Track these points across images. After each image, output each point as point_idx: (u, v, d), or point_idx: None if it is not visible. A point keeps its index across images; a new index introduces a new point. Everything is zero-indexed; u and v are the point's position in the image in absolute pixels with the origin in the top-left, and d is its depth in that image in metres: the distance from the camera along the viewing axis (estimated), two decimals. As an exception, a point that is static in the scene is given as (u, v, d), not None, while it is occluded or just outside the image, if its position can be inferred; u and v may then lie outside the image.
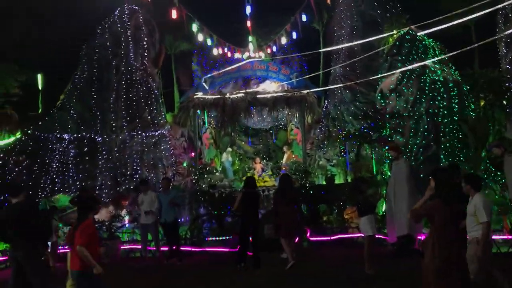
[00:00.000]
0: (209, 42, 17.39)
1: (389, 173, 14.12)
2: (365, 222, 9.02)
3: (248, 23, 17.97)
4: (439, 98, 13.22)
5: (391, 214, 10.76)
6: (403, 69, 13.78)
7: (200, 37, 17.20)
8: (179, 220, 14.99)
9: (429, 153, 12.91)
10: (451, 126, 13.00)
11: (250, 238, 10.57)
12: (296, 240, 11.95)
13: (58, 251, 11.86)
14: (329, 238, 12.38)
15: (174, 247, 11.39)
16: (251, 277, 9.25)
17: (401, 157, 11.05)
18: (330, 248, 11.97)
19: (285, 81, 17.50)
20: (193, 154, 17.74)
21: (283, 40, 17.04)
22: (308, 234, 12.26)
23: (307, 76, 17.53)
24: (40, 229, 7.15)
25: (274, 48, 17.79)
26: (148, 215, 11.23)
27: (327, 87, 16.70)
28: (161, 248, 11.90)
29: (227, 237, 12.19)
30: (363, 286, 8.09)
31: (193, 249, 12.06)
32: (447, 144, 12.79)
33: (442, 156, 12.74)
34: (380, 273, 8.57)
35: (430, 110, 13.18)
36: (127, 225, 14.27)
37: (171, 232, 11.44)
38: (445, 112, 13.06)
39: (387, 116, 14.11)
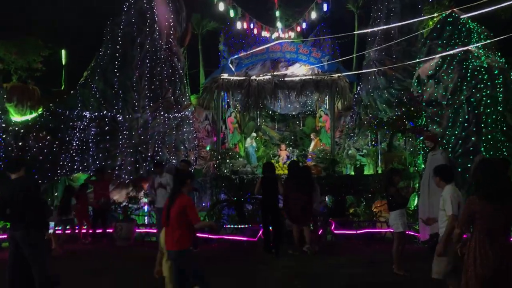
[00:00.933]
0: (234, 16, 16.28)
1: (423, 166, 13.20)
2: (395, 217, 8.24)
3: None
4: (482, 86, 12.10)
5: (424, 209, 9.87)
6: (444, 53, 12.70)
7: (230, 13, 16.27)
8: (200, 205, 14.66)
9: (468, 146, 11.86)
10: (494, 117, 11.90)
11: (271, 228, 10.19)
12: (320, 232, 11.30)
13: (76, 230, 11.57)
14: (355, 232, 11.58)
15: (191, 234, 10.82)
16: (265, 270, 8.58)
17: (438, 148, 10.15)
18: (356, 243, 11.21)
19: (316, 64, 16.60)
20: (215, 138, 17.11)
21: (313, 15, 15.87)
22: (333, 227, 11.48)
23: (339, 60, 16.59)
24: (40, 208, 6.61)
25: (304, 25, 16.70)
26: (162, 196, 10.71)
27: (360, 71, 15.71)
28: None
29: (246, 226, 11.54)
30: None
31: (210, 236, 11.46)
32: (489, 136, 11.71)
33: (482, 149, 11.68)
34: (409, 275, 7.78)
35: (471, 99, 12.09)
36: (145, 208, 13.81)
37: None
38: (488, 101, 11.95)
39: (424, 104, 13.09)
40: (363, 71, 15.87)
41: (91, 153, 15.11)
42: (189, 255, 5.68)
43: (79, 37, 18.19)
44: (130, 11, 16.64)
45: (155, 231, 11.54)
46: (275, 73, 16.16)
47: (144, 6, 16.60)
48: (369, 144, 15.93)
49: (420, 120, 13.48)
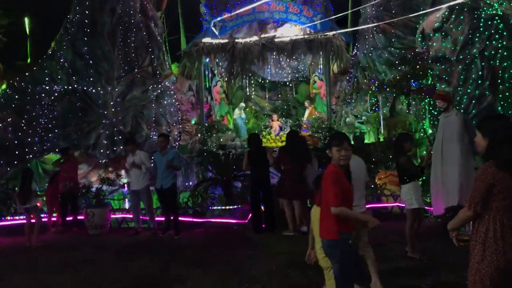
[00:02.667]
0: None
1: (430, 131, 11.84)
2: (408, 191, 6.94)
3: None
4: (497, 36, 10.65)
5: (437, 179, 8.49)
6: (452, 3, 11.18)
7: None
8: (185, 184, 13.30)
9: (483, 105, 10.50)
10: (511, 71, 10.51)
11: (263, 207, 9.03)
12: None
13: (43, 219, 10.20)
14: (358, 208, 10.24)
15: (171, 218, 9.51)
16: (257, 258, 7.27)
17: (452, 108, 8.72)
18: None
19: (308, 24, 15.02)
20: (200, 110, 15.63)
21: None
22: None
23: (333, 17, 15.00)
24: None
25: None
26: (137, 177, 9.36)
27: (356, 28, 14.14)
28: (156, 218, 10.05)
29: (235, 206, 10.19)
30: (404, 276, 6.00)
31: (194, 219, 10.13)
32: (507, 94, 10.34)
33: (500, 108, 10.32)
34: (425, 259, 6.54)
35: (485, 52, 10.66)
36: (124, 191, 12.42)
37: (168, 200, 9.53)
38: (505, 53, 10.52)
39: (430, 61, 11.64)
40: (360, 27, 14.26)
41: (61, 131, 13.59)
42: (345, 244, 4.03)
43: (45, 3, 16.39)
44: (99, -28, 14.87)
45: (132, 216, 10.17)
46: (263, 36, 14.55)
47: (114, -35, 14.83)
48: (369, 110, 14.50)
49: (425, 80, 12.06)
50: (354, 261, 4.14)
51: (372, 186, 10.67)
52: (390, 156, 11.07)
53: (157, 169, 9.51)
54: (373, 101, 13.51)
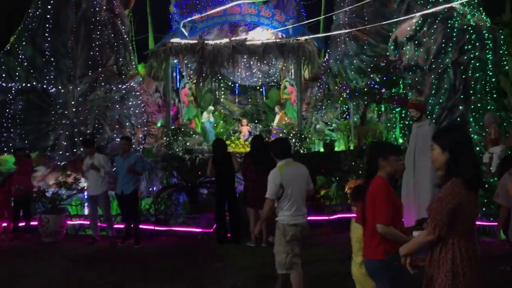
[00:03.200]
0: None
1: (401, 140, 11.68)
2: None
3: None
4: (469, 47, 10.59)
5: (409, 191, 8.34)
6: (425, 11, 11.08)
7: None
8: (149, 190, 12.74)
9: (455, 116, 10.39)
10: (483, 83, 10.47)
11: (228, 216, 8.71)
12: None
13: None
14: (327, 217, 9.96)
15: (132, 225, 8.98)
16: (221, 270, 6.84)
17: (426, 118, 8.60)
18: (329, 231, 9.62)
19: (279, 28, 14.71)
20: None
21: None
22: (302, 213, 9.79)
23: (306, 22, 14.75)
24: None
25: None
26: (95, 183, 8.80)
27: (328, 33, 13.90)
28: (116, 226, 9.49)
29: (201, 215, 9.72)
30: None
31: (157, 228, 9.61)
32: (478, 105, 10.27)
33: (471, 120, 10.23)
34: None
35: (458, 62, 10.56)
36: (83, 196, 11.72)
37: (129, 207, 8.99)
38: (477, 64, 10.46)
39: (402, 70, 11.50)
40: (332, 33, 14.02)
41: (18, 131, 12.82)
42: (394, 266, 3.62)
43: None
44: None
45: (89, 222, 9.56)
46: (233, 38, 14.15)
47: (79, -42, 14.17)
48: (339, 118, 14.28)
49: (397, 89, 11.91)
50: (402, 282, 3.77)
51: (341, 195, 10.39)
52: (361, 165, 10.83)
53: (118, 173, 8.98)
54: (344, 108, 13.27)
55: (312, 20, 14.89)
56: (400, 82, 11.59)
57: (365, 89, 11.88)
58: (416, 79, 11.20)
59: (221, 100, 17.25)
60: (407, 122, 11.33)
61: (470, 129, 10.09)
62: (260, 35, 15.09)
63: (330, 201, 10.52)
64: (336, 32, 13.78)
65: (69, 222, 10.09)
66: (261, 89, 17.44)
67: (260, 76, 16.42)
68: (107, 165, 8.99)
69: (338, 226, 9.74)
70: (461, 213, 2.85)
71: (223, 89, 17.30)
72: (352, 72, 14.28)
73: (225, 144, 8.87)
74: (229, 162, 8.39)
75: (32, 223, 9.93)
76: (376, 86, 11.74)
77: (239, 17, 15.21)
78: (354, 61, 14.25)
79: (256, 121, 16.38)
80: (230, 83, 17.05)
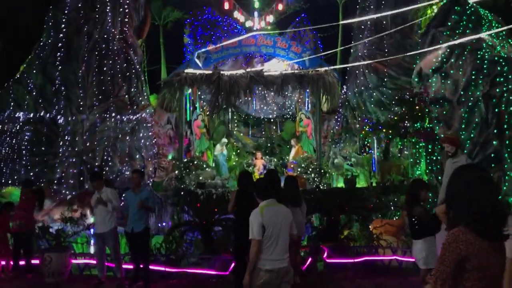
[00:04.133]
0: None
1: (426, 177, 10.99)
2: (422, 247, 6.00)
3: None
4: (501, 79, 10.02)
5: (443, 232, 7.58)
6: (452, 42, 10.58)
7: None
8: (158, 227, 12.08)
9: (488, 152, 9.71)
10: (518, 117, 9.83)
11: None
12: (309, 262, 8.88)
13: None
14: (352, 260, 9.18)
15: (141, 266, 8.25)
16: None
17: (461, 153, 7.95)
18: (353, 275, 8.82)
19: (296, 60, 14.29)
20: (178, 144, 14.53)
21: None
22: (325, 254, 9.05)
23: (323, 54, 14.32)
24: None
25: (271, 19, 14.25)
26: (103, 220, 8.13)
27: (348, 65, 13.41)
28: (124, 266, 8.75)
29: (216, 255, 8.98)
30: None
31: (167, 269, 8.85)
32: (514, 140, 9.61)
33: (506, 155, 9.55)
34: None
35: (490, 95, 9.97)
36: (90, 232, 11.03)
37: (139, 246, 8.27)
38: (511, 98, 9.86)
39: (428, 102, 10.92)
40: (352, 64, 13.53)
41: (24, 162, 12.28)
42: None
43: (15, 24, 15.30)
44: (76, -6, 13.97)
45: (95, 262, 8.84)
46: (249, 69, 13.71)
47: (93, -12, 13.97)
48: (358, 152, 13.65)
49: (423, 122, 11.31)
50: None
51: (366, 235, 9.65)
52: (388, 203, 10.16)
53: (129, 209, 8.31)
54: (367, 142, 12.64)
55: (330, 51, 14.47)
56: (426, 115, 10.97)
57: (391, 122, 11.26)
58: (444, 112, 10.61)
59: (234, 132, 16.70)
60: (434, 157, 10.69)
61: (506, 166, 9.41)
62: (276, 66, 14.67)
63: (353, 242, 9.75)
64: (356, 64, 13.31)
65: (73, 261, 9.35)
66: (275, 122, 16.90)
67: (275, 108, 15.94)
68: (115, 200, 8.34)
69: (365, 270, 8.96)
70: (468, 267, 2.31)
71: (236, 121, 16.79)
72: (372, 105, 13.73)
73: (252, 177, 8.13)
74: (253, 197, 7.70)
75: (33, 261, 9.22)
76: (401, 119, 11.09)
77: (254, 48, 14.84)
78: (374, 94, 13.73)
79: (270, 154, 15.77)
80: (243, 115, 16.53)
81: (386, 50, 13.71)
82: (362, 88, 14.01)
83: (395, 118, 11.09)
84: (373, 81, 13.82)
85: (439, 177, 10.01)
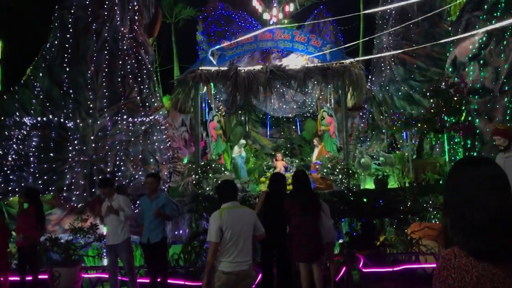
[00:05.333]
0: None
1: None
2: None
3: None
4: (549, 65, 9.07)
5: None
6: (491, 26, 9.65)
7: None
8: (175, 235, 11.33)
9: (537, 145, 8.73)
10: None
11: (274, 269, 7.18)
12: (343, 272, 7.99)
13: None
14: (391, 269, 8.25)
15: (158, 279, 7.45)
16: None
17: (515, 147, 6.99)
18: (394, 285, 7.91)
19: (316, 54, 13.41)
20: (194, 147, 13.75)
21: None
22: (361, 264, 8.15)
23: (344, 46, 13.43)
24: None
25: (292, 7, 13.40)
26: (116, 230, 7.35)
27: (374, 56, 12.52)
28: (139, 280, 7.95)
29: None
30: None
31: (187, 283, 8.04)
32: None
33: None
34: None
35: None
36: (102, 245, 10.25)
37: (156, 258, 7.48)
38: (561, 85, 8.91)
39: (466, 93, 9.98)
40: (379, 55, 12.62)
41: (32, 169, 11.59)
42: None
43: (20, 25, 14.68)
44: (83, -8, 13.30)
45: (107, 275, 8.06)
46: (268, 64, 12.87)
47: (101, -15, 13.28)
48: (386, 150, 12.74)
49: (459, 115, 10.36)
50: None
51: (405, 241, 8.72)
52: (425, 205, 9.23)
53: (144, 218, 7.52)
54: (399, 137, 11.70)
55: (352, 43, 13.55)
56: (463, 107, 10.03)
57: (427, 115, 10.32)
58: (484, 103, 9.67)
59: (251, 133, 15.87)
60: (474, 153, 9.74)
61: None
62: (295, 61, 13.82)
63: (390, 248, 8.82)
64: (382, 55, 12.42)
65: (84, 276, 8.60)
66: (294, 121, 16.03)
67: (294, 106, 15.10)
68: (128, 208, 7.53)
69: (402, 280, 8.04)
70: None
71: (253, 121, 15.95)
72: (400, 100, 12.83)
73: (285, 181, 7.24)
74: (283, 202, 6.85)
75: (41, 276, 8.45)
76: (438, 112, 10.14)
77: (271, 44, 13.99)
78: (402, 87, 12.81)
79: (291, 156, 14.90)
80: (261, 115, 15.69)
81: (414, 40, 12.79)
82: (389, 81, 13.11)
83: (432, 111, 10.14)
84: (400, 73, 12.93)
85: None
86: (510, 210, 1.60)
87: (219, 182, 6.12)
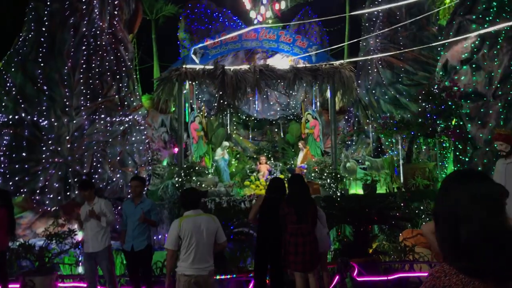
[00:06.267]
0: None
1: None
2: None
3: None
4: (543, 70, 8.97)
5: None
6: (483, 30, 9.50)
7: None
8: (154, 240, 10.75)
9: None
10: None
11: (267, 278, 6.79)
12: (336, 280, 7.65)
13: None
14: (385, 278, 7.95)
15: (142, 289, 6.96)
16: None
17: (516, 152, 6.80)
18: (388, 295, 7.62)
19: (301, 55, 13.08)
20: (176, 149, 13.21)
21: None
22: (355, 272, 7.81)
23: (330, 48, 13.15)
24: None
25: (283, 5, 13.09)
26: (95, 237, 6.82)
27: (360, 58, 12.29)
28: (121, 291, 7.44)
29: (228, 276, 7.70)
30: None
31: (172, 292, 7.53)
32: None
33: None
34: None
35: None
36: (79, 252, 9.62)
37: (141, 266, 6.99)
38: (555, 90, 8.82)
39: (458, 97, 9.82)
40: (365, 57, 12.39)
41: (2, 170, 10.86)
42: None
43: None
44: (60, -16, 12.62)
45: (85, 284, 7.49)
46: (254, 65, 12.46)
47: (79, -23, 12.61)
48: (372, 154, 12.51)
49: (446, 120, 10.19)
50: None
51: (398, 248, 8.46)
52: (416, 211, 8.98)
53: (127, 224, 7.01)
54: (391, 141, 11.45)
55: (339, 45, 13.30)
56: (455, 112, 9.86)
57: (419, 119, 10.10)
58: (476, 108, 9.51)
59: (233, 135, 15.42)
60: (466, 158, 9.57)
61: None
62: (280, 62, 13.47)
63: (383, 256, 8.52)
64: (369, 57, 12.18)
65: (60, 285, 7.99)
66: (278, 124, 15.66)
67: (278, 109, 14.72)
68: (110, 213, 7.01)
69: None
70: None
71: (235, 123, 15.51)
72: (386, 103, 12.62)
73: (285, 186, 6.82)
74: (280, 208, 6.43)
75: (11, 286, 7.82)
76: (430, 117, 9.93)
77: (256, 43, 13.59)
78: (389, 91, 12.61)
79: (273, 159, 14.52)
80: (244, 117, 15.26)
81: (401, 43, 12.62)
82: (375, 85, 12.90)
83: (424, 115, 9.93)
84: (387, 77, 12.73)
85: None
86: (503, 228, 1.56)
87: (184, 189, 6.46)
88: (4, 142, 11.12)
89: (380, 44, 13.00)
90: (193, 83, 12.07)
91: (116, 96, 12.43)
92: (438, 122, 9.73)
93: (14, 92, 11.60)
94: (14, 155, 11.04)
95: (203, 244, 4.96)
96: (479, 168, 9.04)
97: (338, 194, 10.28)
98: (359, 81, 13.51)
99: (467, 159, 9.46)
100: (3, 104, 11.51)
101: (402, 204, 9.17)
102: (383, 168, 11.31)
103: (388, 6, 12.31)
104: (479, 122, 9.32)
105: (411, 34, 12.67)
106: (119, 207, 10.14)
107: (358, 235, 8.34)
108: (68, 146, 11.35)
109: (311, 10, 15.39)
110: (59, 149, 11.27)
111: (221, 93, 11.12)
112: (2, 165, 10.95)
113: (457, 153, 9.78)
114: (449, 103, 9.54)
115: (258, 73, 11.10)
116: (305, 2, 15.18)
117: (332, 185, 10.64)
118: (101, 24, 12.64)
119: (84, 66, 12.05)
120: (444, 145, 10.57)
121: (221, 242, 5.25)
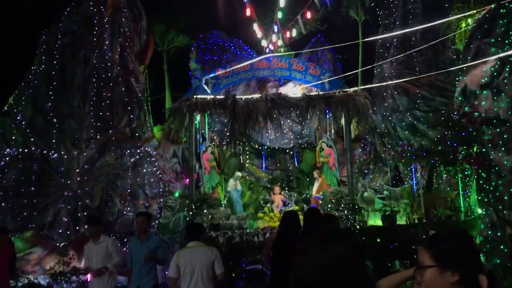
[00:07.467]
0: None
1: (479, 210, 9.38)
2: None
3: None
4: None
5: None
6: (507, 53, 9.14)
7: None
8: (164, 276, 10.35)
9: None
10: None
11: None
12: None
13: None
14: (410, 318, 7.42)
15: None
16: None
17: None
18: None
19: (314, 83, 12.83)
20: (188, 180, 12.92)
21: (309, 15, 11.97)
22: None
23: (344, 75, 12.89)
24: None
25: (294, 33, 12.88)
26: (101, 278, 6.48)
27: (375, 85, 11.98)
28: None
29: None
30: None
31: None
32: None
33: None
34: None
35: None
36: None
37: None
38: None
39: (479, 123, 9.39)
40: (381, 84, 12.07)
41: (10, 205, 10.63)
42: None
43: (3, 52, 13.97)
44: (71, 17, 12.66)
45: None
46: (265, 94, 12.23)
47: (89, 10, 12.67)
48: (390, 183, 12.05)
49: (471, 147, 9.74)
50: None
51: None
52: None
53: (133, 262, 6.67)
54: (401, 172, 11.01)
55: (352, 72, 13.04)
56: (476, 138, 9.42)
57: (439, 147, 9.68)
58: (499, 134, 9.06)
59: (246, 165, 15.10)
60: (491, 187, 9.08)
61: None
62: (292, 90, 13.23)
63: (406, 293, 7.99)
64: (385, 83, 11.88)
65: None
66: (291, 152, 15.31)
67: (291, 137, 14.39)
68: (116, 253, 6.68)
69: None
70: None
71: (247, 152, 15.20)
72: (403, 130, 12.23)
73: (299, 220, 6.41)
74: (295, 244, 6.03)
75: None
76: (451, 144, 9.51)
77: (268, 72, 13.41)
78: (405, 118, 12.24)
79: (287, 189, 14.12)
80: (257, 146, 14.96)
81: (417, 69, 12.30)
82: (391, 111, 12.55)
83: (444, 142, 9.51)
84: (403, 103, 12.37)
85: (501, 211, 8.42)
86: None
87: (188, 222, 6.20)
88: (13, 176, 10.94)
89: (395, 70, 12.71)
90: (204, 113, 11.85)
91: (127, 128, 12.29)
92: (459, 149, 9.30)
93: (24, 126, 11.51)
94: (22, 190, 10.84)
95: (197, 274, 5.40)
96: (505, 197, 8.57)
97: (357, 226, 9.81)
98: (374, 108, 13.16)
99: (491, 188, 8.97)
100: (13, 138, 11.40)
101: (424, 237, 8.65)
102: (402, 198, 10.85)
103: (403, 31, 12.06)
104: (502, 149, 8.86)
105: (427, 60, 12.35)
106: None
107: (378, 271, 7.85)
108: (78, 179, 11.14)
109: (323, 38, 15.25)
110: (68, 182, 11.06)
111: (232, 122, 10.82)
112: (11, 200, 10.74)
113: (481, 182, 9.28)
114: (470, 129, 9.14)
115: (270, 102, 10.84)
116: (317, 31, 15.01)
117: (349, 216, 10.19)
118: (111, 56, 12.60)
119: (94, 98, 11.96)
120: (466, 173, 10.09)
121: (218, 274, 5.58)
